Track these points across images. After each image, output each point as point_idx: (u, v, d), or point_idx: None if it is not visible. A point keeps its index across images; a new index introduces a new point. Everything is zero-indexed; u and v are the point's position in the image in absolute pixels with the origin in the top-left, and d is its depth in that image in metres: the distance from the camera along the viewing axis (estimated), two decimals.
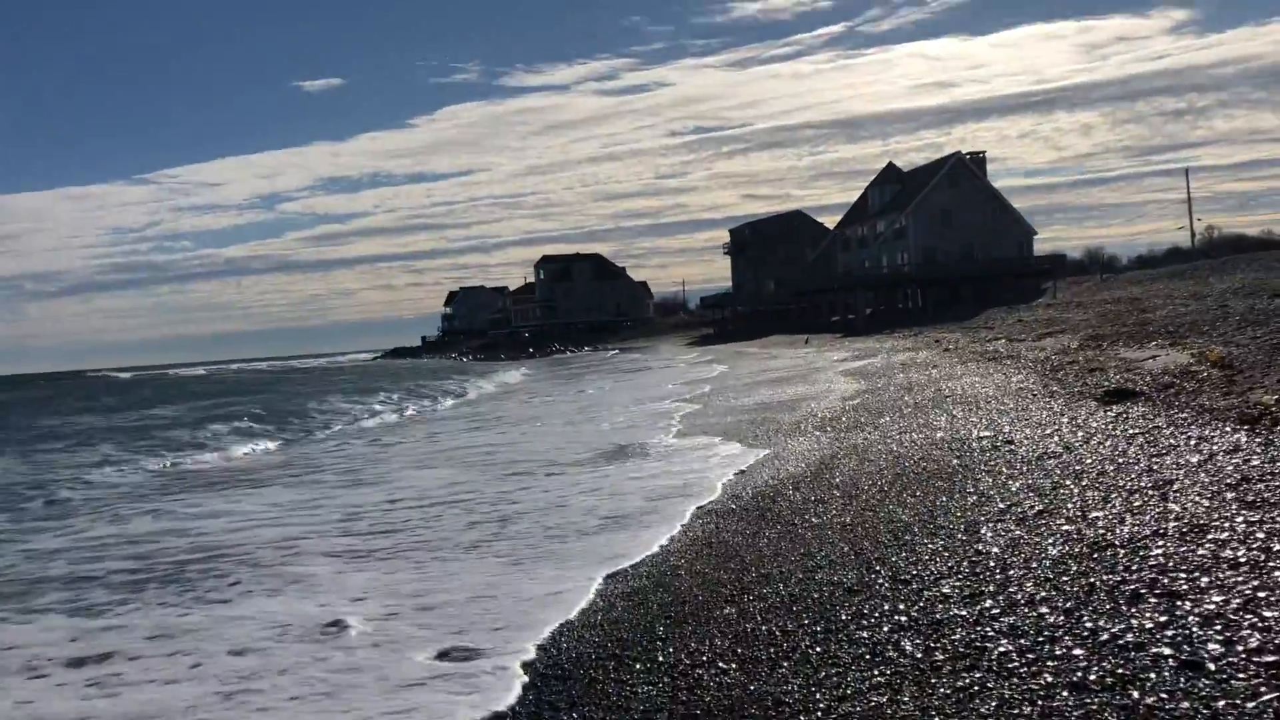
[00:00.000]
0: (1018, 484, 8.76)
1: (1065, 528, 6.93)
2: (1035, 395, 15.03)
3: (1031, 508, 7.73)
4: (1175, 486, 7.51)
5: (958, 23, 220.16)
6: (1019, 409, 13.75)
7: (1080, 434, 10.80)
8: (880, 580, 6.47)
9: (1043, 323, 33.48)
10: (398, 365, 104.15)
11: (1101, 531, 6.65)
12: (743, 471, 12.18)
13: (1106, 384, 14.57)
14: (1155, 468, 8.36)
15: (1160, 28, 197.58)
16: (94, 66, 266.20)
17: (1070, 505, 7.58)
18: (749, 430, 16.55)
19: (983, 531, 7.25)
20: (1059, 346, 22.61)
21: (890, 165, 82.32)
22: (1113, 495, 7.65)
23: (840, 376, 26.02)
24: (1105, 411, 12.13)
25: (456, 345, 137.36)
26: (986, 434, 11.92)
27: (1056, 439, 10.78)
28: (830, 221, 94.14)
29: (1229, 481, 7.34)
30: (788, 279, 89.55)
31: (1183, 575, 5.45)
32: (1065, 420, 11.98)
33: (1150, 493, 7.49)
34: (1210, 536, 6.03)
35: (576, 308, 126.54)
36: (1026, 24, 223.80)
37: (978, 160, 74.59)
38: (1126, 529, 6.59)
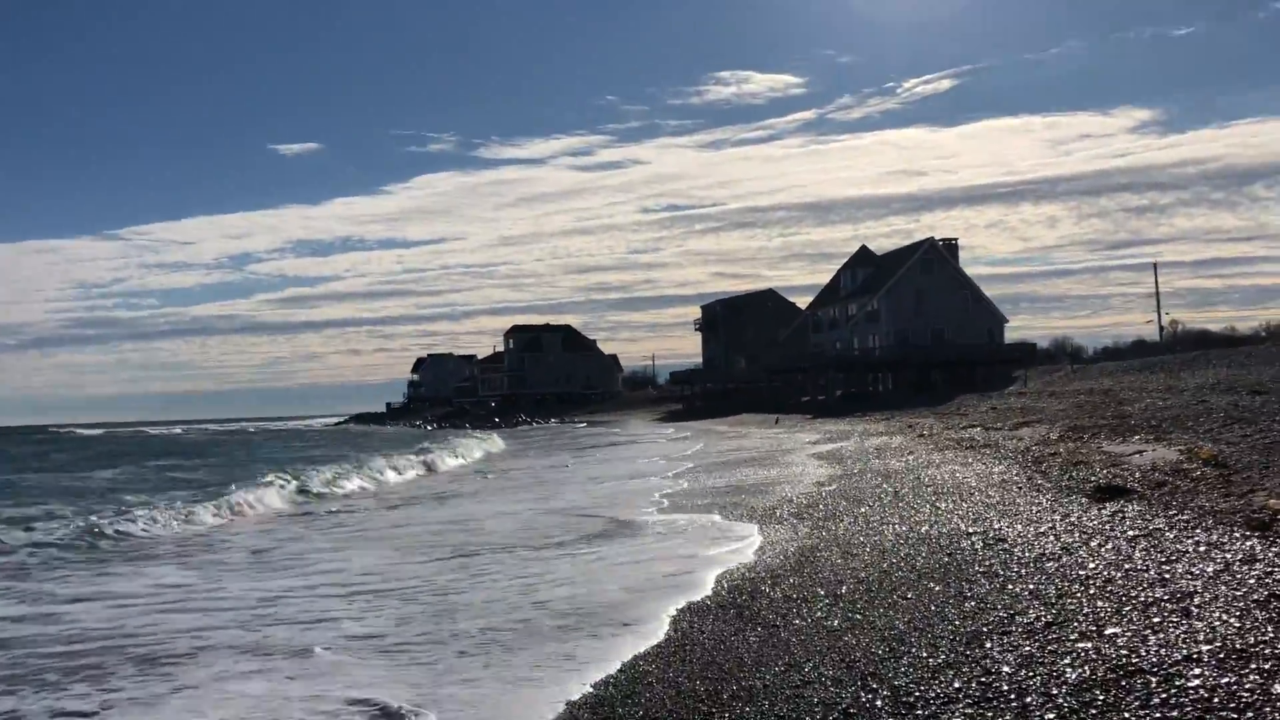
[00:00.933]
0: (1018, 588, 8.08)
1: (1081, 645, 6.24)
2: (1020, 488, 14.43)
3: (1038, 618, 7.04)
4: (1196, 601, 6.85)
5: (926, 114, 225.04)
6: (1005, 503, 13.13)
7: (1077, 534, 10.16)
8: (879, 702, 5.73)
9: (1018, 411, 33.12)
10: (358, 431, 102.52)
11: (1124, 653, 5.95)
12: (718, 562, 11.43)
13: (1094, 479, 14.01)
14: (1167, 576, 7.71)
15: (1123, 126, 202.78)
16: (67, 120, 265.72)
17: (1081, 618, 6.89)
18: (723, 516, 15.81)
19: (988, 645, 6.54)
20: (1038, 437, 22.13)
21: (863, 248, 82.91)
22: (1127, 607, 6.98)
23: (814, 460, 25.38)
24: (1099, 509, 11.52)
25: (422, 412, 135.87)
26: (975, 530, 11.26)
27: (1052, 538, 10.13)
28: (801, 302, 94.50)
29: (1256, 598, 6.69)
30: (759, 357, 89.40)
31: (1234, 717, 4.76)
32: (1057, 517, 11.35)
33: (1168, 606, 6.83)
34: (1254, 665, 5.35)
35: (545, 379, 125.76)
36: (993, 117, 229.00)
37: (950, 246, 75.21)
38: (1153, 650, 5.90)
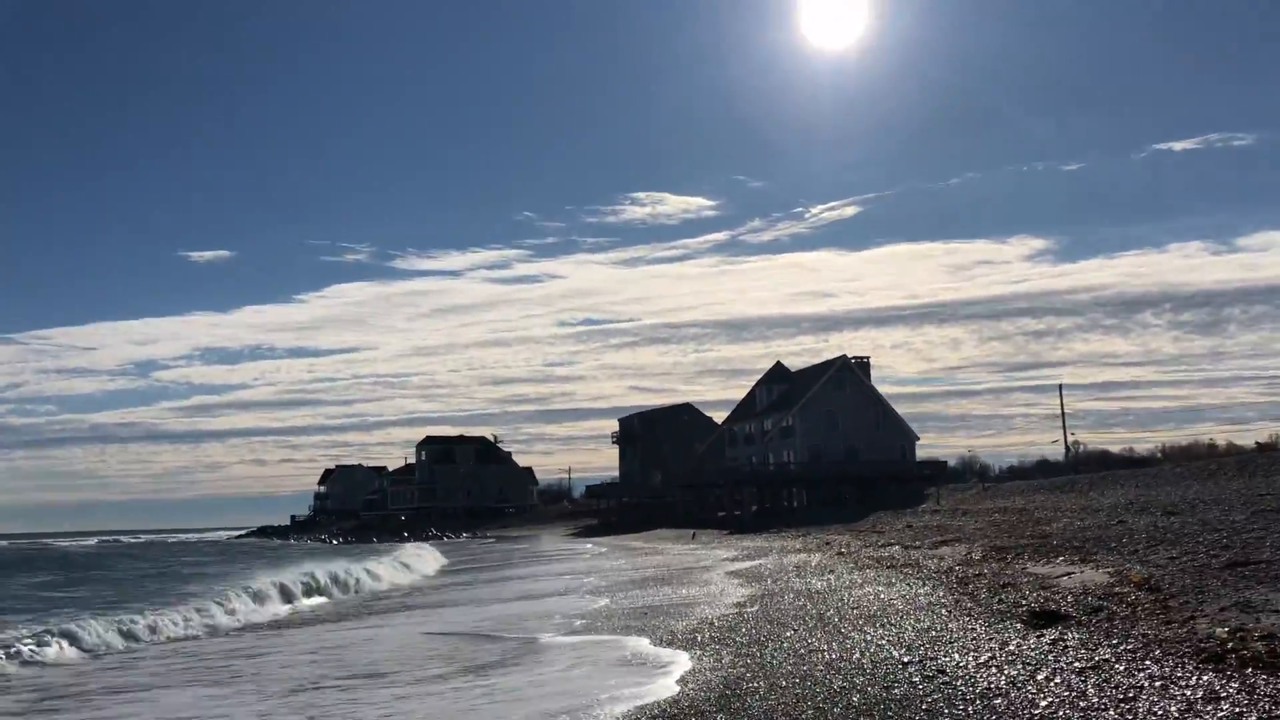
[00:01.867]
0: None
1: None
2: (950, 611, 13.80)
3: None
4: None
5: (833, 238, 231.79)
6: (938, 628, 12.46)
7: (1020, 665, 9.50)
8: None
9: (935, 529, 32.82)
10: (253, 545, 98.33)
11: None
12: (630, 698, 10.46)
13: (1025, 602, 13.46)
14: (1130, 717, 7.05)
15: (1019, 254, 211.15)
16: None
17: None
18: (638, 639, 14.82)
19: None
20: (959, 556, 21.68)
21: (778, 364, 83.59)
22: None
23: (733, 579, 24.53)
24: (1037, 637, 10.91)
25: (328, 526, 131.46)
26: (910, 659, 10.54)
27: (994, 669, 9.45)
28: (717, 417, 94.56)
29: None
30: (675, 470, 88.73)
31: None
32: (995, 645, 10.70)
33: None
34: None
35: (457, 491, 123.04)
36: (897, 243, 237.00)
37: (862, 365, 76.22)
38: None
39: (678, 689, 10.38)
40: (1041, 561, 18.25)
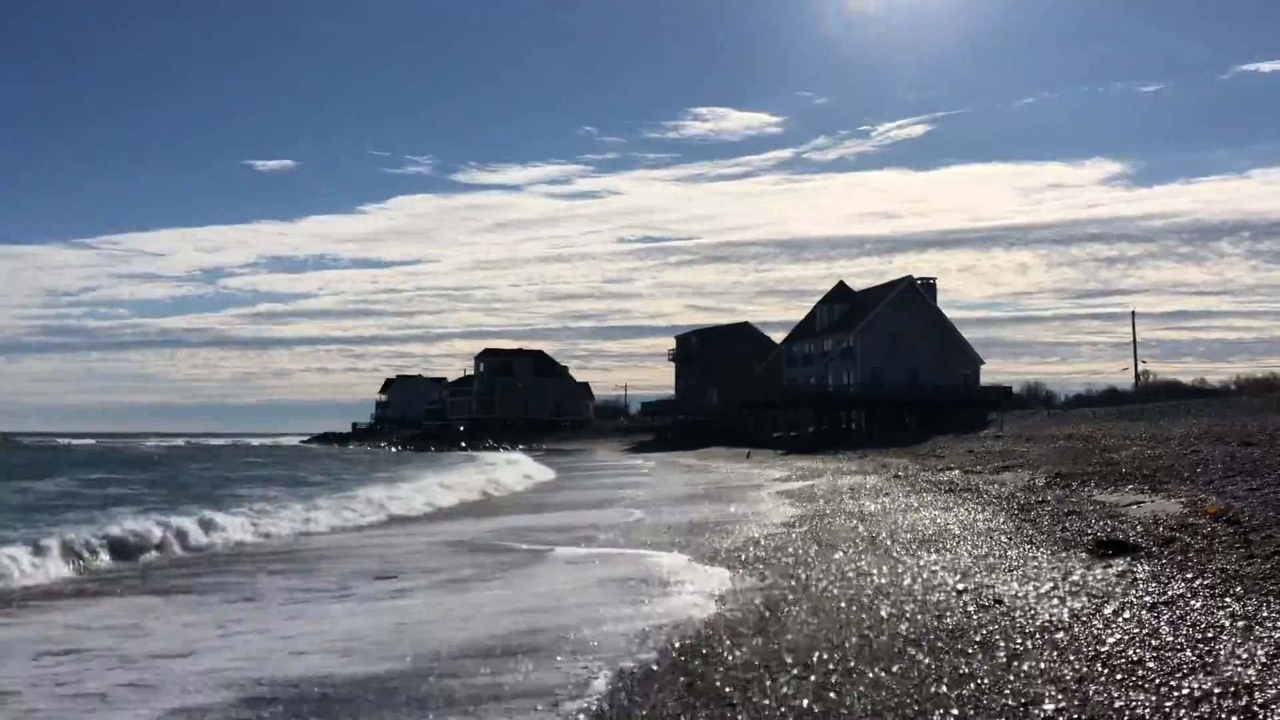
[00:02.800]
0: (1026, 667, 6.69)
1: None
2: (1010, 538, 13.08)
3: (1059, 712, 5.64)
4: (1259, 699, 5.48)
5: (900, 157, 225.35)
6: (996, 555, 11.77)
7: (1085, 597, 8.79)
8: None
9: (997, 455, 31.89)
10: (315, 451, 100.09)
11: None
12: (669, 614, 9.95)
13: (1090, 531, 12.68)
14: (1210, 661, 6.34)
15: (1093, 178, 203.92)
16: (41, 126, 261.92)
17: (1115, 715, 5.50)
18: (681, 554, 14.33)
19: None
20: (1021, 482, 20.85)
21: (840, 284, 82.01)
22: (1169, 704, 5.59)
23: (784, 499, 23.98)
24: (1103, 568, 10.17)
25: (388, 434, 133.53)
26: (965, 586, 9.88)
27: (1056, 601, 8.75)
28: (776, 337, 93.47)
29: None
30: (732, 390, 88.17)
31: None
32: (1058, 575, 9.98)
33: (1227, 705, 5.45)
34: None
35: (515, 404, 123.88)
36: (965, 163, 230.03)
37: (928, 286, 74.42)
38: None
39: (714, 609, 9.84)
40: (1109, 489, 17.38)
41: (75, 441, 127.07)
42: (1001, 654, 7.10)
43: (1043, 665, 6.69)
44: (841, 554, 13.16)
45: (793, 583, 11.12)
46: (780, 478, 32.82)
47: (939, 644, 7.55)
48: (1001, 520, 15.14)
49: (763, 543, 15.08)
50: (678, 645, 8.24)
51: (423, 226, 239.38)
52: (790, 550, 13.94)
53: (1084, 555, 11.11)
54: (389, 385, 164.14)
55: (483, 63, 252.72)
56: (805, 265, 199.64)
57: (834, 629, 8.44)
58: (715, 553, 14.25)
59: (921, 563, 11.71)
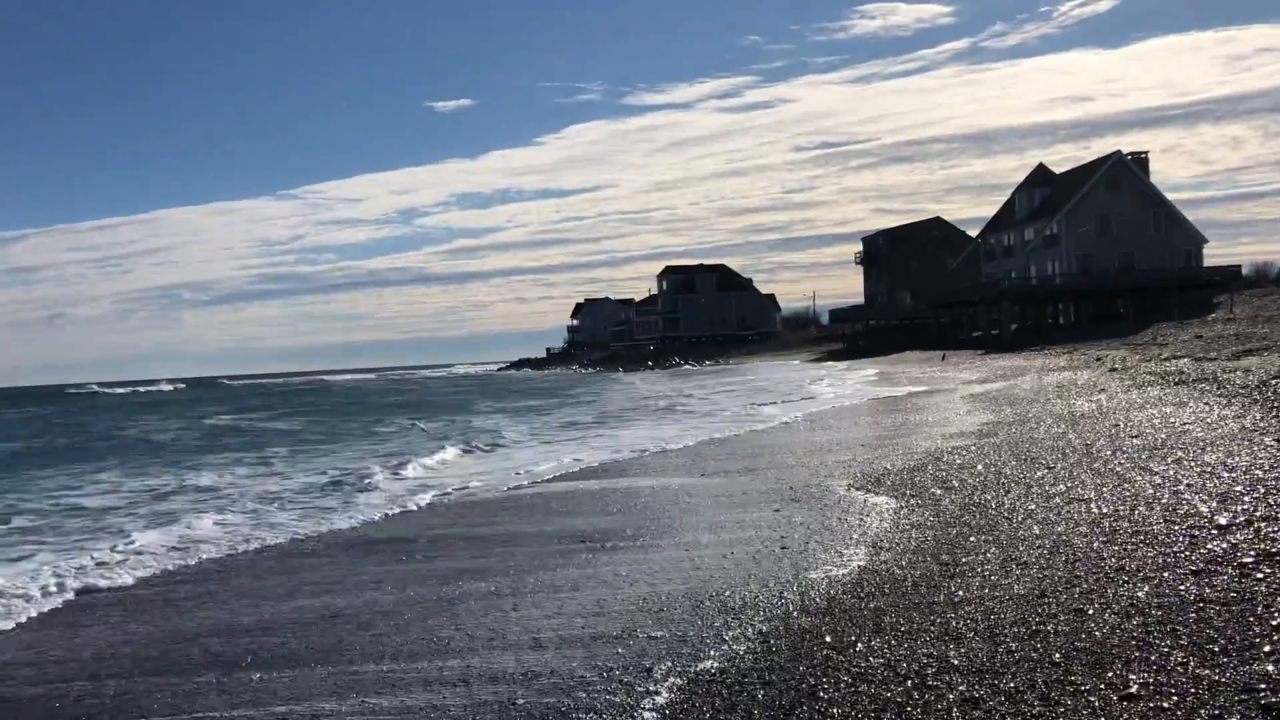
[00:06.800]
0: None
1: None
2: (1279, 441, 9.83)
3: None
4: None
5: (1087, 36, 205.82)
6: (1265, 467, 8.61)
7: None
8: None
9: (1233, 339, 27.38)
10: (507, 377, 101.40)
11: None
12: (809, 562, 7.44)
13: None
14: None
15: None
16: (240, 86, 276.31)
17: None
18: (856, 477, 11.69)
19: None
20: (1273, 368, 17.01)
21: (1041, 166, 75.15)
22: None
23: (978, 404, 20.81)
24: None
25: (580, 357, 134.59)
26: (1228, 519, 6.92)
27: None
28: (971, 233, 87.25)
29: None
30: (925, 291, 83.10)
31: None
32: None
33: None
34: None
35: (699, 320, 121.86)
36: (1160, 36, 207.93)
37: (1140, 161, 66.92)
38: None
39: (865, 559, 7.27)
40: None
41: (354, 377, 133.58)
42: None
43: None
44: (1046, 470, 10.26)
45: (979, 515, 8.39)
46: (976, 379, 29.33)
47: (1208, 630, 4.77)
48: (1258, 417, 11.77)
49: (943, 459, 12.27)
50: (796, 627, 5.75)
51: (598, 153, 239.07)
52: (980, 468, 11.11)
53: None
54: (578, 310, 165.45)
55: None
56: (995, 158, 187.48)
57: (1033, 594, 5.75)
58: (881, 475, 11.56)
59: (1156, 481, 8.72)
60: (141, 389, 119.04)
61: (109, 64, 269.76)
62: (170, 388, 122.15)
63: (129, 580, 8.73)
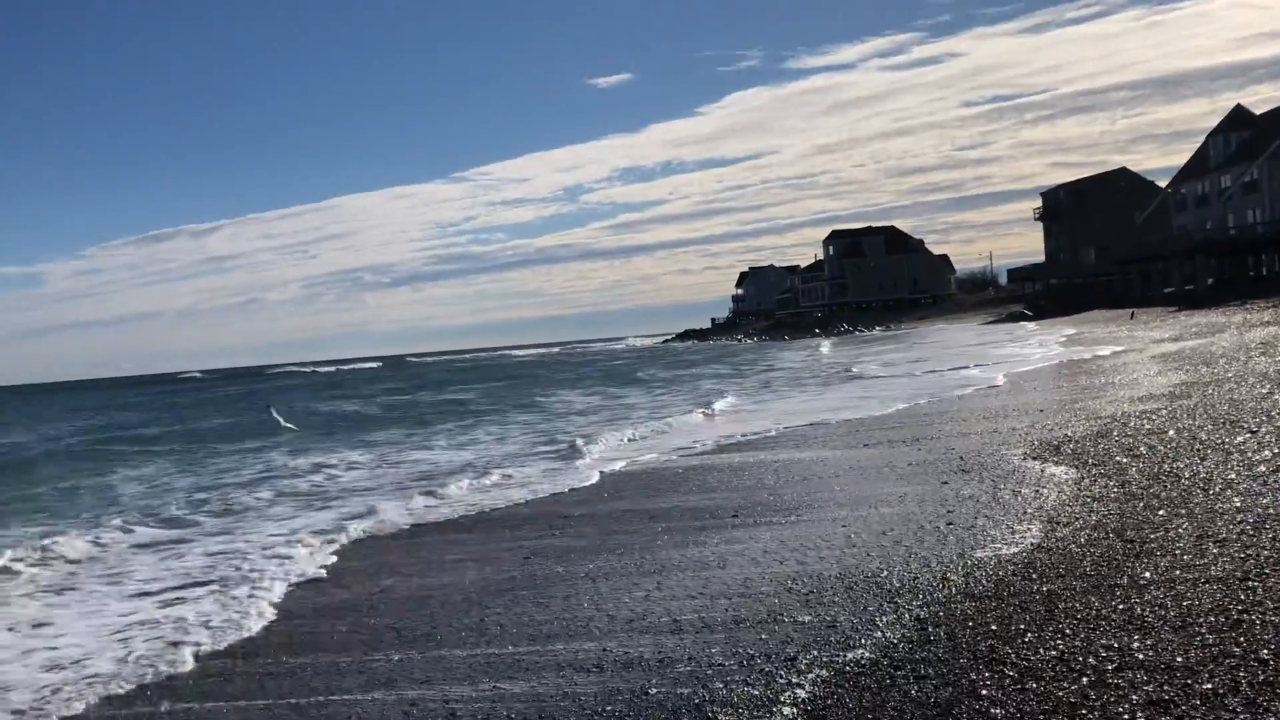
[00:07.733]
0: None
1: None
2: None
3: None
4: None
5: None
6: None
7: None
8: None
9: None
10: (669, 349, 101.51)
11: None
12: (972, 540, 6.89)
13: None
14: None
15: None
16: (410, 76, 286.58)
17: None
18: (1032, 446, 10.93)
19: None
20: None
21: (1238, 107, 69.53)
22: None
23: (1169, 364, 19.34)
24: None
25: (745, 326, 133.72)
26: None
27: None
28: (1160, 183, 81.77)
29: None
30: (1110, 246, 78.55)
31: None
32: None
33: None
34: None
35: (867, 284, 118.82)
36: None
37: None
38: None
39: (1038, 535, 6.65)
40: None
41: (528, 353, 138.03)
42: None
43: None
44: (1246, 437, 9.27)
45: (1167, 488, 7.60)
46: (1167, 338, 27.35)
47: None
48: None
49: (1132, 424, 11.31)
50: (943, 633, 5.25)
51: (760, 119, 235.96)
52: (1171, 434, 10.17)
53: None
54: (742, 279, 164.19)
55: None
56: (1184, 104, 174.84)
57: (1229, 583, 5.07)
58: (1060, 443, 10.73)
59: None
60: (344, 367, 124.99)
61: (290, 63, 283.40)
62: (372, 366, 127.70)
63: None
